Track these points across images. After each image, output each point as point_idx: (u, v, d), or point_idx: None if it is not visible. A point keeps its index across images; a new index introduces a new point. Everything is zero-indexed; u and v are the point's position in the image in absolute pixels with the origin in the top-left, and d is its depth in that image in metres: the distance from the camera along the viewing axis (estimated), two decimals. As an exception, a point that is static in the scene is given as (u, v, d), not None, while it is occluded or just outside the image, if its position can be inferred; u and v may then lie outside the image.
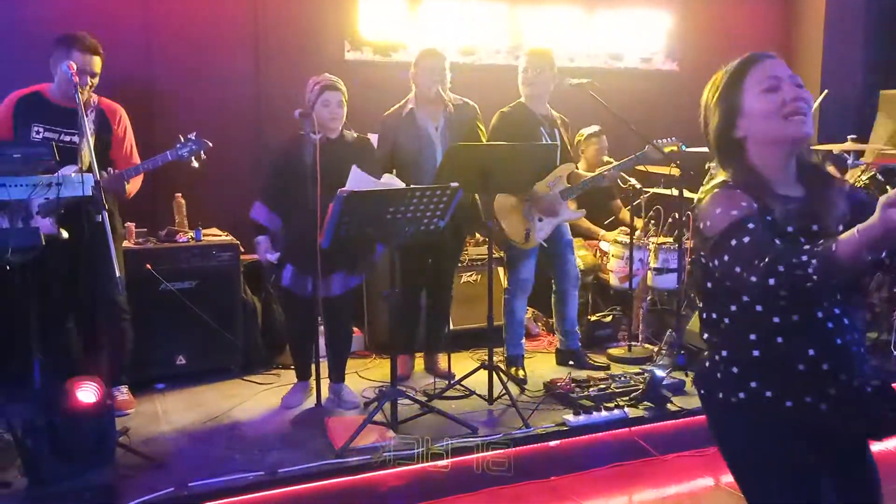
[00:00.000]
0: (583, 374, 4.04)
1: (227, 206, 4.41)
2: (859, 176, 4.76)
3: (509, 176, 3.74)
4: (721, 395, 1.69)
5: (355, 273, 3.71)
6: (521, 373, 4.11)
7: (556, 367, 4.33)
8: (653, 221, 4.79)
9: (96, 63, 3.43)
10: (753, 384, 1.64)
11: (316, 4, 4.85)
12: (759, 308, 1.61)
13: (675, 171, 4.27)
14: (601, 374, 4.04)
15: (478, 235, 4.69)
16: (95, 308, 3.56)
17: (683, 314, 4.37)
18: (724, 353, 1.69)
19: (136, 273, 3.80)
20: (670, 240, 4.66)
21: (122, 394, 3.67)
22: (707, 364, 1.74)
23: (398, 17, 5.00)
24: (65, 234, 3.12)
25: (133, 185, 3.56)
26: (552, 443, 3.40)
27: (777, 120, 1.63)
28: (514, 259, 4.17)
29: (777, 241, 1.52)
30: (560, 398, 3.73)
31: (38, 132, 3.40)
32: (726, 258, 1.56)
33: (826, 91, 5.27)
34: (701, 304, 1.76)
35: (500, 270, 4.60)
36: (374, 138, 3.98)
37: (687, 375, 3.96)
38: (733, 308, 1.66)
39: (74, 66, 3.25)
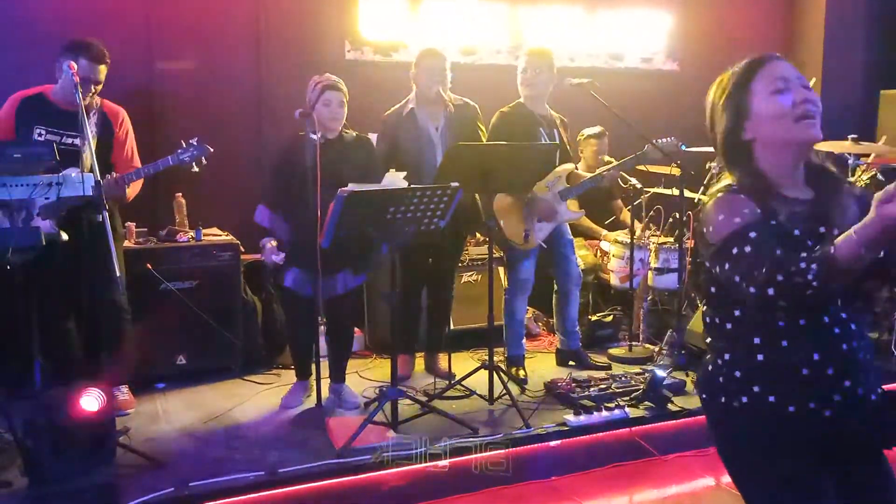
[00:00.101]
0: (583, 374, 4.04)
1: (227, 205, 4.41)
2: (860, 176, 4.76)
3: (510, 176, 3.74)
4: (723, 400, 1.66)
5: (360, 272, 3.71)
6: (521, 373, 4.11)
7: (557, 367, 4.32)
8: (653, 222, 4.79)
9: (101, 72, 3.44)
10: (756, 388, 1.61)
11: (317, 4, 4.84)
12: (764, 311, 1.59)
13: (676, 171, 4.27)
14: (602, 374, 4.04)
15: (478, 235, 4.68)
16: (96, 308, 3.55)
17: (684, 314, 4.37)
18: (726, 356, 1.67)
19: (136, 273, 3.80)
20: (671, 239, 4.66)
21: (123, 393, 3.67)
22: (709, 368, 1.72)
23: (399, 17, 5.00)
24: (64, 236, 3.13)
25: (133, 189, 3.56)
26: (553, 443, 3.40)
27: (786, 123, 1.60)
28: (514, 259, 4.16)
29: (779, 250, 1.49)
30: (561, 398, 3.73)
31: (40, 134, 3.40)
32: (727, 266, 1.54)
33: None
34: (704, 308, 1.74)
35: (501, 270, 4.60)
36: (373, 138, 3.98)
37: (688, 375, 3.95)
38: (737, 312, 1.64)
39: (75, 66, 3.25)
